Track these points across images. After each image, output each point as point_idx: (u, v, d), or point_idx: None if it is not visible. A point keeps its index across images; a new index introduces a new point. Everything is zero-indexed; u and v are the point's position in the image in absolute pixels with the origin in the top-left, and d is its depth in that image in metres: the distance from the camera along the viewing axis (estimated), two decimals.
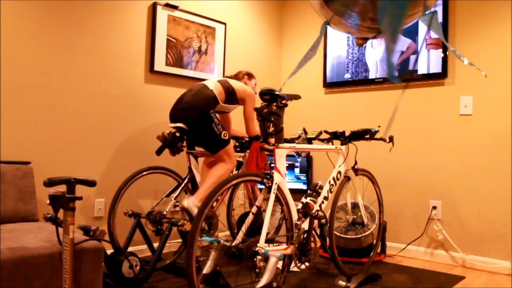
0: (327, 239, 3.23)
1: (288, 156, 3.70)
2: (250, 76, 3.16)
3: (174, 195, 2.73)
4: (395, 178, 3.49)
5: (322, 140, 2.78)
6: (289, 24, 4.27)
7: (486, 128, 3.09)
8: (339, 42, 3.82)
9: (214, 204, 2.89)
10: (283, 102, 2.29)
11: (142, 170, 2.71)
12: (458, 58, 1.90)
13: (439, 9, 3.26)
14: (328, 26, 1.88)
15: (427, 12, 1.80)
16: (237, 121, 3.71)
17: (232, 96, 2.82)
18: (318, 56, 3.98)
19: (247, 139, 3.08)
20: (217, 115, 2.71)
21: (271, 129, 2.25)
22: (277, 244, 2.17)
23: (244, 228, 2.17)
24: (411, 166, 3.42)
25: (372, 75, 3.60)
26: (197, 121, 2.63)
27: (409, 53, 3.42)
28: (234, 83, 2.86)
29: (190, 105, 2.65)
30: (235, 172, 3.13)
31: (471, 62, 1.77)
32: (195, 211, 2.55)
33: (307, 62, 2.01)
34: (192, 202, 2.57)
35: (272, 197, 2.13)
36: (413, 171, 3.41)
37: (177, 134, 2.73)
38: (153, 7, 3.20)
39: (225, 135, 2.69)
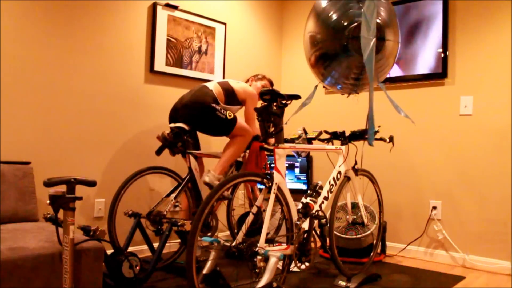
0: (327, 239, 3.23)
1: (288, 156, 3.70)
2: (256, 77, 3.16)
3: (174, 195, 2.72)
4: (395, 178, 3.49)
5: (322, 140, 2.78)
6: (289, 24, 4.27)
7: (486, 128, 3.09)
8: None
9: (215, 204, 2.89)
10: (283, 102, 2.28)
11: (142, 170, 2.71)
12: (395, 108, 2.69)
13: (439, 9, 3.26)
14: None
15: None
16: None
17: (232, 97, 2.82)
18: None
19: None
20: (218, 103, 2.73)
21: (271, 129, 2.25)
22: (277, 244, 2.17)
23: (244, 228, 2.17)
24: (411, 166, 3.42)
25: None
26: (201, 115, 2.67)
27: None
28: (235, 84, 2.87)
29: (191, 103, 2.67)
30: (235, 172, 3.13)
31: (406, 114, 2.57)
32: (216, 184, 2.59)
33: (304, 107, 2.78)
34: (212, 176, 2.63)
35: (272, 197, 2.13)
36: (413, 171, 3.41)
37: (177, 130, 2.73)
38: (153, 7, 3.20)
39: (230, 115, 2.73)
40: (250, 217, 2.21)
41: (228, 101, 2.81)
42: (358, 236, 3.06)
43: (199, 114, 2.67)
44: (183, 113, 2.71)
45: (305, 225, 2.26)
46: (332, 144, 2.74)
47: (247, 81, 3.21)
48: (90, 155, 2.89)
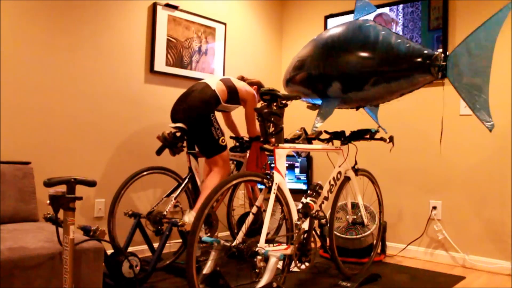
0: (327, 239, 3.23)
1: (288, 156, 3.70)
2: (260, 87, 3.11)
3: (174, 195, 2.72)
4: (395, 178, 3.49)
5: (322, 140, 2.78)
6: (289, 24, 4.27)
7: (486, 128, 3.09)
8: None
9: (214, 204, 2.89)
10: (283, 102, 2.29)
11: (142, 170, 2.71)
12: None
13: (439, 9, 3.26)
14: None
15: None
16: (238, 122, 3.71)
17: (234, 96, 2.80)
18: None
19: (247, 139, 3.08)
20: (217, 119, 2.69)
21: (271, 129, 2.25)
22: (277, 244, 2.17)
23: (244, 228, 2.17)
24: (411, 166, 3.42)
25: None
26: (196, 123, 2.62)
27: None
28: (237, 82, 2.85)
29: (192, 107, 2.64)
30: (235, 172, 3.13)
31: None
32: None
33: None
34: (192, 217, 2.56)
35: (272, 197, 2.13)
36: (413, 171, 3.41)
37: (178, 134, 2.73)
38: (153, 7, 3.20)
39: (223, 141, 2.67)
40: (250, 217, 2.21)
41: (229, 100, 2.79)
42: (358, 236, 3.06)
43: (196, 120, 2.63)
44: (183, 114, 2.69)
45: (305, 225, 2.26)
46: (332, 144, 2.74)
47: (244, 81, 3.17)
48: (90, 155, 2.89)
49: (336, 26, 2.55)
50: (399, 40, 2.32)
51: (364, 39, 2.35)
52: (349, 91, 2.45)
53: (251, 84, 3.09)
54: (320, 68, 2.47)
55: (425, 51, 2.27)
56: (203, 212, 1.92)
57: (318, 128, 2.52)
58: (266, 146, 3.01)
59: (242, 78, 3.13)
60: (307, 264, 2.21)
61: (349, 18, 3.78)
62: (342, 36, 2.42)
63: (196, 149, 2.83)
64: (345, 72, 2.39)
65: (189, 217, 2.57)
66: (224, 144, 2.68)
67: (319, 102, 2.67)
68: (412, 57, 2.26)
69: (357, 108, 2.73)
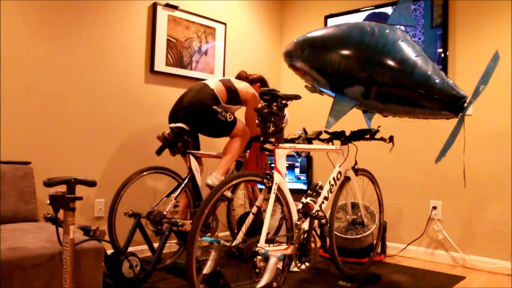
0: (327, 239, 3.23)
1: (288, 156, 3.70)
2: (262, 83, 3.09)
3: (174, 195, 2.72)
4: (395, 178, 3.49)
5: (322, 140, 2.78)
6: (289, 24, 4.27)
7: (486, 128, 3.09)
8: None
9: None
10: (283, 102, 2.28)
11: (142, 170, 2.71)
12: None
13: (439, 10, 3.26)
14: None
15: None
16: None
17: (234, 96, 2.79)
18: None
19: None
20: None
21: (271, 129, 2.25)
22: (277, 244, 2.17)
23: (244, 228, 2.17)
24: (411, 166, 3.42)
25: None
26: (202, 117, 2.66)
27: None
28: (237, 83, 2.84)
29: (193, 104, 2.65)
30: (235, 172, 3.13)
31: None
32: None
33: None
34: (215, 178, 2.66)
35: (272, 197, 2.13)
36: (413, 171, 3.41)
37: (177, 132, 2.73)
38: (153, 7, 3.20)
39: (230, 116, 2.75)
40: (250, 217, 2.21)
41: (230, 101, 2.78)
42: (358, 236, 3.06)
43: (200, 117, 2.66)
44: (183, 113, 2.70)
45: (305, 225, 2.26)
46: (332, 144, 2.74)
47: (249, 80, 3.12)
48: (90, 155, 2.89)
49: (375, 26, 2.39)
50: (433, 71, 2.30)
51: (402, 60, 2.29)
52: (371, 99, 2.41)
53: (253, 80, 3.07)
54: (348, 66, 2.37)
55: (458, 94, 2.30)
56: (203, 212, 1.92)
57: (329, 128, 2.50)
58: (266, 146, 3.01)
59: (245, 74, 3.10)
60: (307, 264, 2.21)
61: (349, 18, 3.78)
62: (381, 44, 2.32)
63: (196, 151, 2.83)
64: (376, 82, 2.33)
65: (211, 179, 2.65)
66: (232, 118, 2.76)
67: (322, 88, 2.62)
68: (444, 97, 2.29)
69: (364, 112, 2.73)
